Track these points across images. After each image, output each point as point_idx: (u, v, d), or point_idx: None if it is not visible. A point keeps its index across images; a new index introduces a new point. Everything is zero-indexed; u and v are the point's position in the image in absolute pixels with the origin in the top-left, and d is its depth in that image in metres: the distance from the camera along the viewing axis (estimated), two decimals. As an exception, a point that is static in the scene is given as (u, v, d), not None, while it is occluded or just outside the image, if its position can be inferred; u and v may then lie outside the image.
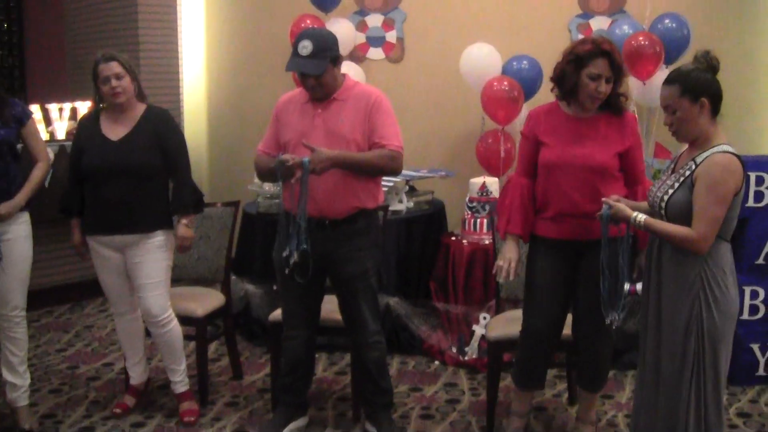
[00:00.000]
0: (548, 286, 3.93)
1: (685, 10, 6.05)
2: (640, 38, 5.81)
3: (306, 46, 3.87)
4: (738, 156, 3.23)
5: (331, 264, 4.07)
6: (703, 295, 3.25)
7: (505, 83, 5.87)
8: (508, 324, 4.34)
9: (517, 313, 4.18)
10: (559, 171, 3.83)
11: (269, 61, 6.85)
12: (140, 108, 4.34)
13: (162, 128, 4.32)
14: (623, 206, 3.44)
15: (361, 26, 6.76)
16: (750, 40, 6.66)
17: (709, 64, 3.30)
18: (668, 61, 5.88)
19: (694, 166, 3.24)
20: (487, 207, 5.48)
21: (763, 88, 6.78)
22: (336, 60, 4.00)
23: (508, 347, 4.31)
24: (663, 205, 3.29)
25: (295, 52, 3.90)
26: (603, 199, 3.50)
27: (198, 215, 4.53)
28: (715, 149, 3.23)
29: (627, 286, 3.61)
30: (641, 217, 3.34)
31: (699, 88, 3.24)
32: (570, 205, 3.79)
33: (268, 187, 5.58)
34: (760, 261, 4.93)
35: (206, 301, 4.83)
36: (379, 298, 5.20)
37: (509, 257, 3.95)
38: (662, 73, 5.87)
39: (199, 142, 7.64)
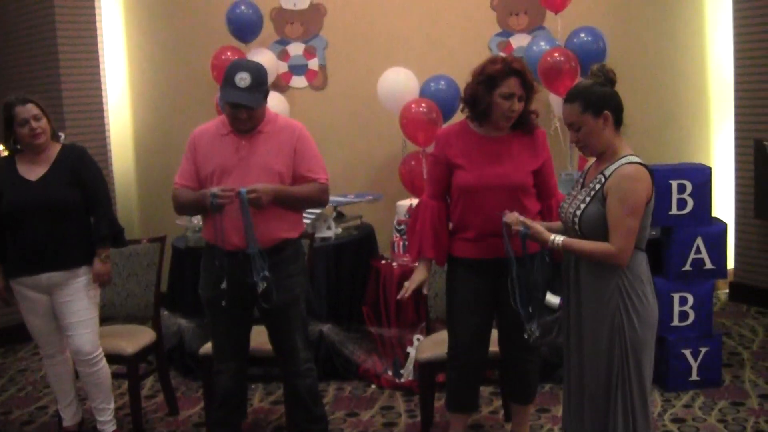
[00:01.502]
0: (471, 305, 3.95)
1: (601, 23, 6.17)
2: (556, 54, 5.91)
3: (244, 78, 3.87)
4: (645, 165, 3.29)
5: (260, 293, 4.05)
6: (623, 306, 3.30)
7: (423, 105, 5.93)
8: (437, 345, 4.36)
9: (446, 334, 4.19)
10: (479, 192, 3.85)
11: (192, 92, 6.85)
12: (55, 147, 4.33)
13: (78, 164, 4.31)
14: (541, 229, 3.46)
15: (283, 55, 6.78)
16: (668, 50, 6.82)
17: (606, 77, 3.37)
18: (584, 74, 5.97)
19: (603, 179, 3.30)
20: (416, 229, 5.50)
21: (683, 97, 6.95)
22: (267, 93, 4.02)
23: (439, 368, 4.32)
24: (576, 220, 3.34)
25: (231, 83, 3.89)
26: (520, 218, 3.51)
27: (124, 251, 4.49)
28: (621, 161, 3.29)
29: (557, 300, 3.64)
30: (559, 239, 3.37)
31: (600, 102, 3.30)
32: (493, 226, 3.77)
33: (196, 221, 5.55)
34: (687, 267, 5.00)
35: (136, 338, 4.78)
36: (312, 326, 5.28)
37: (416, 279, 3.97)
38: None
39: (127, 177, 7.59)
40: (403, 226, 5.56)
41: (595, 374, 3.39)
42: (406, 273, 5.32)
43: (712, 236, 5.00)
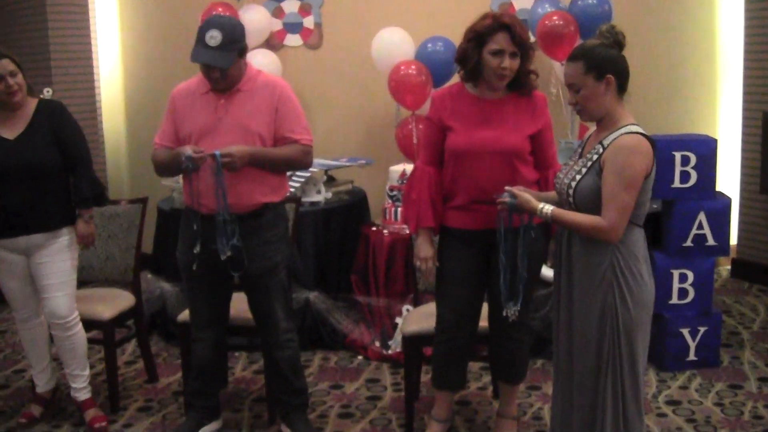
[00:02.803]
0: (461, 278, 3.77)
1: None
2: (555, 17, 5.69)
3: (214, 37, 3.67)
4: (647, 136, 3.09)
5: (238, 260, 3.88)
6: (616, 284, 3.11)
7: (413, 67, 5.71)
8: (424, 318, 4.18)
9: (434, 306, 4.01)
10: (469, 156, 3.65)
11: (184, 51, 6.53)
12: (32, 103, 4.14)
13: (57, 122, 4.12)
14: (528, 197, 3.26)
15: (277, 12, 6.56)
16: (674, 18, 6.62)
17: (614, 40, 3.15)
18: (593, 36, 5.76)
19: (601, 150, 3.10)
20: (409, 195, 5.33)
21: (688, 66, 6.74)
22: (243, 51, 3.81)
23: (426, 342, 4.14)
24: (570, 192, 3.14)
25: (202, 42, 3.69)
26: (506, 187, 3.31)
27: (105, 212, 4.34)
28: (622, 130, 3.09)
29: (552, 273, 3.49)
30: (548, 208, 3.18)
31: (604, 65, 3.09)
32: (481, 192, 3.61)
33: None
34: (688, 243, 4.82)
35: (114, 302, 4.62)
36: (298, 293, 5.15)
37: (425, 256, 3.78)
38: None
39: (117, 138, 7.42)
40: (395, 192, 5.38)
41: (584, 355, 3.21)
42: (397, 240, 5.19)
43: (716, 211, 4.81)
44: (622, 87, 3.14)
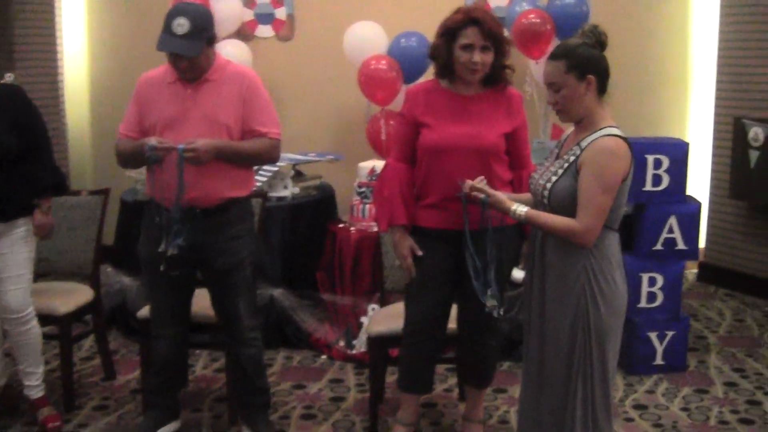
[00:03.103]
0: (431, 279, 3.67)
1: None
2: (531, 15, 5.63)
3: (182, 24, 3.55)
4: (625, 139, 3.02)
5: (202, 256, 3.77)
6: (588, 289, 3.04)
7: (384, 62, 5.62)
8: (390, 319, 4.09)
9: (401, 307, 3.92)
10: (443, 153, 3.56)
11: (152, 37, 6.43)
12: None
13: (16, 107, 3.96)
14: (502, 197, 3.20)
15: (249, 2, 6.44)
16: (648, 18, 6.60)
17: (597, 40, 3.09)
18: (566, 38, 5.69)
19: (579, 151, 3.03)
20: (377, 192, 5.25)
21: (662, 68, 6.73)
22: (212, 40, 3.70)
23: (392, 343, 4.06)
24: (546, 193, 3.07)
25: (169, 30, 3.57)
26: (481, 186, 3.23)
27: (64, 203, 4.23)
28: (601, 132, 3.02)
29: (521, 275, 3.40)
30: (521, 209, 3.10)
31: (586, 65, 3.02)
32: (454, 190, 3.47)
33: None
34: (659, 247, 4.78)
35: (71, 297, 4.48)
36: (262, 290, 5.05)
37: (404, 252, 3.68)
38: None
39: (81, 126, 7.22)
40: (364, 189, 5.30)
41: (555, 360, 3.15)
42: (364, 238, 5.10)
43: (686, 215, 4.78)
44: (602, 88, 3.07)
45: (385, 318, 4.17)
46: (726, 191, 6.33)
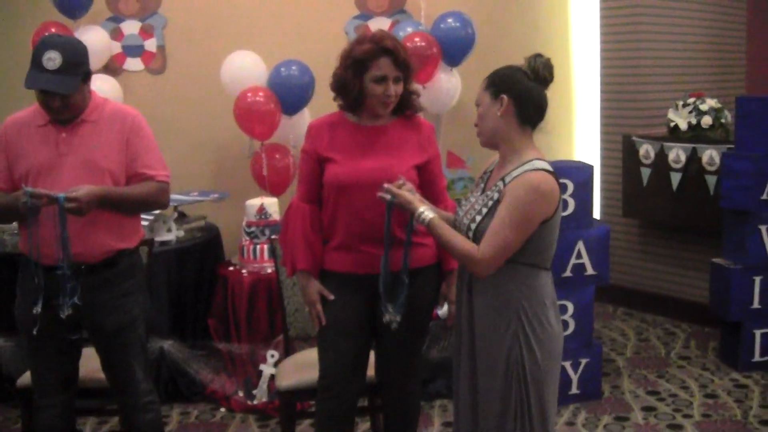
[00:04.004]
0: (345, 328, 3.37)
1: (466, 8, 5.75)
2: (416, 39, 5.45)
3: (53, 59, 3.18)
4: (553, 173, 2.83)
5: (90, 315, 3.38)
6: (522, 334, 2.82)
7: (260, 93, 5.31)
8: (300, 370, 3.77)
9: (310, 355, 3.64)
10: (350, 190, 3.29)
11: (12, 75, 5.99)
12: None
13: None
14: (410, 197, 2.98)
15: (116, 34, 6.03)
16: (531, 39, 6.52)
17: (533, 70, 2.89)
18: (452, 62, 5.57)
19: (502, 186, 2.82)
20: (267, 231, 4.95)
21: (551, 90, 6.62)
22: (87, 76, 3.34)
23: (304, 397, 3.76)
24: (470, 234, 2.85)
25: (38, 65, 3.18)
26: (385, 185, 3.02)
27: None
28: (526, 166, 2.82)
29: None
30: (427, 214, 2.91)
31: (501, 85, 2.86)
32: (364, 228, 3.27)
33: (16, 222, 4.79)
34: (567, 274, 4.65)
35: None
36: (151, 343, 4.62)
37: (310, 300, 3.40)
38: (446, 76, 5.57)
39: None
40: (253, 229, 4.99)
41: (488, 408, 2.92)
42: (258, 281, 4.80)
43: (595, 239, 4.67)
44: (523, 116, 2.88)
45: (293, 369, 3.84)
46: (618, 210, 6.31)
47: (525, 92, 2.86)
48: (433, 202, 3.36)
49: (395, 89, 3.27)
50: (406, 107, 3.38)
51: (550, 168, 2.83)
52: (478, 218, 2.83)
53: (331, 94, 3.41)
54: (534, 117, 2.89)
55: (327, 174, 3.35)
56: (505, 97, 2.84)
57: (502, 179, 2.83)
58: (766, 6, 6.84)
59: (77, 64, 3.26)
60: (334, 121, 3.42)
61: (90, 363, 3.63)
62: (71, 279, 3.22)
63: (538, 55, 2.92)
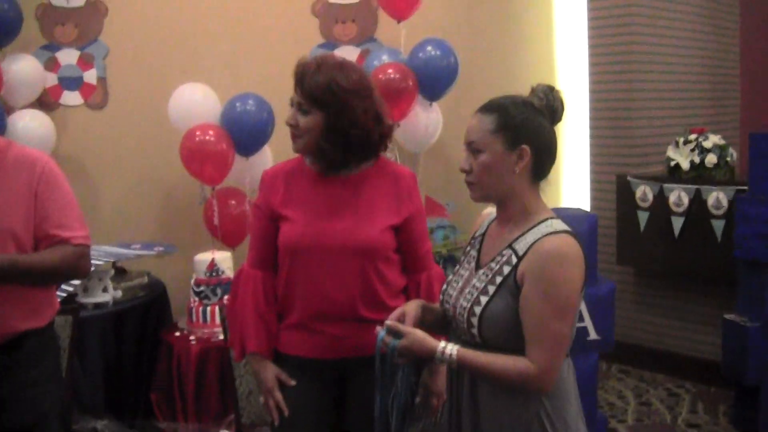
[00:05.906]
0: (304, 420, 2.77)
1: (445, 35, 5.24)
2: (390, 70, 4.90)
3: None
4: (574, 234, 2.21)
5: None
6: None
7: (211, 132, 4.74)
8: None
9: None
10: (308, 255, 2.69)
11: None
12: None
13: None
14: (422, 335, 2.23)
15: (51, 64, 5.41)
16: (514, 65, 6.08)
17: (547, 105, 2.25)
18: (433, 96, 5.00)
19: (515, 258, 2.18)
20: (219, 291, 4.37)
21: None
22: None
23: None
24: (475, 321, 2.19)
25: None
26: (387, 322, 2.31)
27: None
28: (541, 228, 2.19)
29: None
30: (452, 349, 2.19)
31: (522, 131, 2.20)
32: (324, 305, 2.67)
33: None
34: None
35: None
36: (83, 422, 4.13)
37: (269, 386, 2.78)
38: (424, 112, 5.03)
39: None
40: (203, 288, 4.40)
41: None
42: (209, 349, 4.24)
43: (599, 299, 4.07)
44: (538, 171, 2.25)
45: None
46: (611, 256, 5.74)
47: (547, 144, 2.24)
48: (415, 269, 2.76)
49: (297, 118, 2.70)
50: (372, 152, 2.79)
51: (569, 229, 2.21)
52: (484, 299, 2.18)
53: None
54: (549, 171, 2.27)
55: (281, 235, 2.74)
56: (527, 148, 2.20)
57: (511, 246, 2.20)
58: (758, 38, 6.45)
59: None
60: (291, 169, 2.81)
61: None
62: None
63: (551, 88, 2.28)
